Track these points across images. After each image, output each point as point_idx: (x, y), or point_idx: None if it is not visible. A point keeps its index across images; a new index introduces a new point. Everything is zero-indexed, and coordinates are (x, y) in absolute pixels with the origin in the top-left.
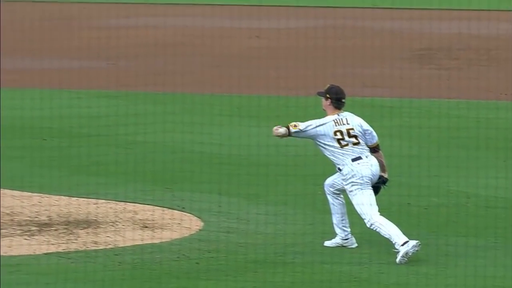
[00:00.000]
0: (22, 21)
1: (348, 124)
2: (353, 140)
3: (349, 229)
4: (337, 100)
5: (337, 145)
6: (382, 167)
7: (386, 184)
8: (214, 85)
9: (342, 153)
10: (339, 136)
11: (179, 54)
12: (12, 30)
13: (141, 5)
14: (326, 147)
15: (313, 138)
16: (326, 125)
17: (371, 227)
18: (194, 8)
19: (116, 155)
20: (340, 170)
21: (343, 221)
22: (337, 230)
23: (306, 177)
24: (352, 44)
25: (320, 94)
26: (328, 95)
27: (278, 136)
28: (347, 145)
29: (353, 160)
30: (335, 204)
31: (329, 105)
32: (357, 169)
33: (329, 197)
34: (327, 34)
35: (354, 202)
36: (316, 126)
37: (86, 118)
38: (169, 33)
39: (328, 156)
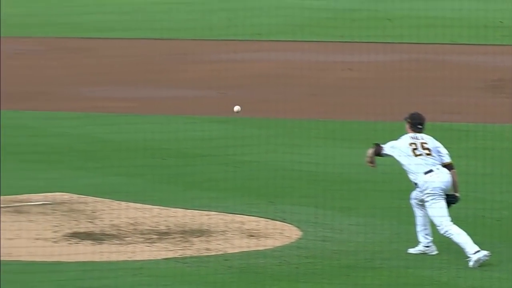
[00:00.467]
0: (145, 55)
1: (422, 139)
2: (426, 151)
3: (431, 238)
4: (416, 125)
5: (412, 154)
6: (455, 187)
7: (457, 202)
8: (311, 111)
9: (417, 165)
10: (413, 146)
11: (280, 84)
12: (136, 63)
13: (247, 42)
14: (404, 160)
15: (397, 153)
16: (403, 140)
17: (444, 234)
18: (294, 44)
19: (225, 172)
20: (416, 185)
21: (426, 230)
22: (420, 238)
23: (392, 192)
24: (433, 76)
25: (404, 119)
26: (409, 120)
27: (369, 159)
28: (420, 155)
29: (426, 173)
30: (419, 215)
31: (409, 128)
32: (429, 181)
33: (414, 208)
34: (411, 66)
35: (429, 211)
36: (396, 142)
37: (199, 140)
38: (272, 66)
39: (407, 171)
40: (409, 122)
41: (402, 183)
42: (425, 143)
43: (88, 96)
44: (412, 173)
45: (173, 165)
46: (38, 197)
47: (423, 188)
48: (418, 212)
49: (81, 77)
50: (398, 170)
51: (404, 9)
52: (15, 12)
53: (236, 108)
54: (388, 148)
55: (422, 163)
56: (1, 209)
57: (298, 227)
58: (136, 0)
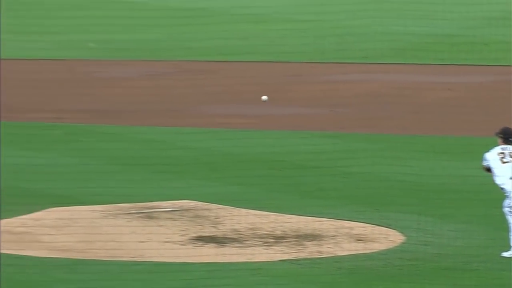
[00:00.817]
0: (264, 77)
1: (511, 150)
2: None
3: None
4: (507, 138)
5: (499, 162)
6: None
7: None
8: (413, 128)
9: (503, 171)
10: (501, 156)
11: (385, 103)
12: (256, 84)
13: (356, 64)
14: (495, 171)
15: (491, 165)
16: (493, 150)
17: None
18: (398, 67)
19: (335, 183)
20: (502, 189)
21: None
22: None
23: (487, 201)
24: None
25: (495, 134)
26: (501, 135)
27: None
28: (507, 162)
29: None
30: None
31: (501, 142)
32: None
33: (507, 216)
34: (505, 87)
35: None
36: (487, 154)
37: (312, 153)
38: (378, 86)
39: (495, 180)
40: (501, 137)
41: (497, 193)
42: None
43: (211, 113)
44: (499, 180)
45: (288, 176)
46: (167, 204)
47: (509, 192)
48: (510, 219)
49: (205, 96)
50: (492, 181)
51: (498, 35)
52: (149, 38)
53: (264, 97)
54: (484, 162)
55: (508, 170)
56: (135, 214)
57: (401, 232)
58: (255, 26)
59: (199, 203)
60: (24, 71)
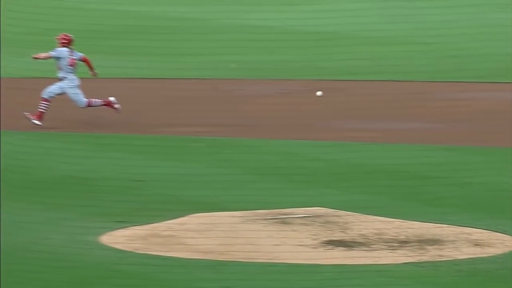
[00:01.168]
0: (387, 94)
1: None
2: None
3: None
4: None
5: None
6: None
7: None
8: None
9: None
10: None
11: (498, 119)
12: (379, 101)
13: (472, 83)
14: None
15: None
16: None
17: None
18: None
19: (454, 192)
20: None
21: None
22: None
23: None
24: None
25: None
26: None
27: None
28: None
29: None
30: None
31: None
32: None
33: None
34: None
35: None
36: None
37: (431, 165)
38: (492, 103)
39: None
40: None
41: None
42: None
43: (340, 128)
44: None
45: (410, 185)
46: (300, 211)
47: None
48: None
49: (334, 113)
50: None
51: None
52: (283, 59)
53: (319, 93)
54: None
55: None
56: (270, 220)
57: None
58: (380, 48)
59: (330, 210)
60: (171, 89)
